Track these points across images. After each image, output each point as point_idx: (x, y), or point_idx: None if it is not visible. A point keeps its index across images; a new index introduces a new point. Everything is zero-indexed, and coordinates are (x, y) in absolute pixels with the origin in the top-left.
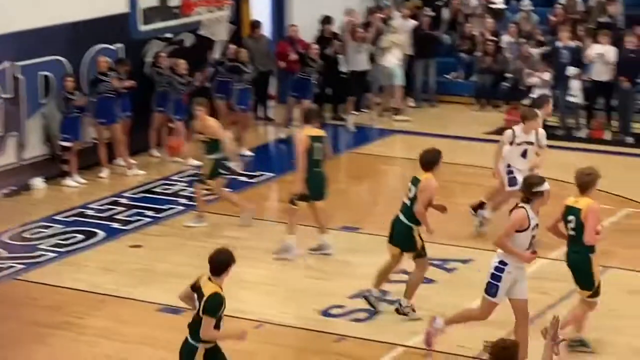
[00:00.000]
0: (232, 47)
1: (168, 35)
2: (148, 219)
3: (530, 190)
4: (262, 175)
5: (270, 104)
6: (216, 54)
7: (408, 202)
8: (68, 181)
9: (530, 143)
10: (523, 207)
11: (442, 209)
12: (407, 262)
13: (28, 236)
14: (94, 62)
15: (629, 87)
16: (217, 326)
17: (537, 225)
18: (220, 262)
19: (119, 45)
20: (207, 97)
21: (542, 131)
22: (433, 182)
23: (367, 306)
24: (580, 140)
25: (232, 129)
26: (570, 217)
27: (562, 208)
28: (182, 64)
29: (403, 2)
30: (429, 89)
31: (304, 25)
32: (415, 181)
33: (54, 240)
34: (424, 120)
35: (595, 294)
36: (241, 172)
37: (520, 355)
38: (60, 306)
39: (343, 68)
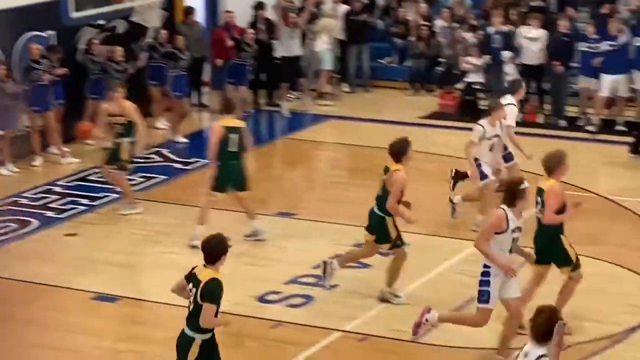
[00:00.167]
0: (164, 32)
1: (100, 22)
2: (83, 207)
3: (511, 191)
4: (197, 162)
5: (204, 90)
6: (149, 41)
7: (380, 193)
8: (1, 170)
9: (497, 136)
10: (502, 208)
11: (407, 204)
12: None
13: None
14: (26, 49)
15: (562, 71)
16: (217, 314)
17: (518, 228)
18: (214, 249)
19: (51, 32)
20: (142, 84)
21: (510, 109)
22: (401, 174)
23: (303, 292)
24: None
25: (167, 116)
26: (538, 199)
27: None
28: (118, 51)
29: None
30: (362, 74)
31: (237, 11)
32: (387, 171)
33: None
34: (359, 106)
35: (576, 267)
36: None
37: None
38: None
39: (277, 54)
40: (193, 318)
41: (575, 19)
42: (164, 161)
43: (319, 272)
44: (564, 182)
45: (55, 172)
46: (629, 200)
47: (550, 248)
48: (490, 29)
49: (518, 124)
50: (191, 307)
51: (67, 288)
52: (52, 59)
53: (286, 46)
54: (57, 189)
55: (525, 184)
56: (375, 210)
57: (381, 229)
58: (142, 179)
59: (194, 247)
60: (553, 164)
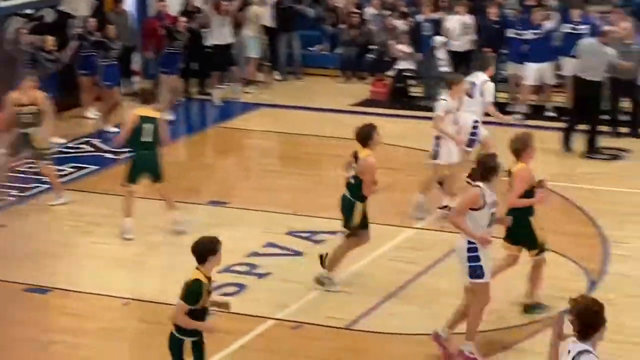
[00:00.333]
0: (93, 21)
1: (28, 11)
2: (12, 199)
3: (485, 167)
4: (129, 152)
5: (134, 79)
6: (78, 30)
7: (352, 181)
8: None
9: (457, 109)
10: (478, 185)
11: (374, 183)
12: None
13: None
14: None
15: (493, 57)
16: (201, 317)
17: (495, 202)
18: (201, 249)
19: None
20: (72, 73)
21: (489, 85)
22: (371, 160)
23: (236, 280)
24: None
25: (97, 105)
26: (509, 180)
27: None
28: (49, 40)
29: None
30: (293, 62)
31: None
32: (356, 157)
33: None
34: (290, 93)
35: (541, 250)
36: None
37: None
38: None
39: (207, 42)
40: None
41: (504, 6)
42: (95, 151)
43: (251, 260)
44: None
45: None
46: (559, 185)
47: (518, 230)
48: (420, 17)
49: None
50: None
51: None
52: None
53: (217, 34)
54: None
55: (499, 160)
56: (347, 195)
57: (349, 213)
58: (72, 169)
59: (126, 239)
60: (519, 147)
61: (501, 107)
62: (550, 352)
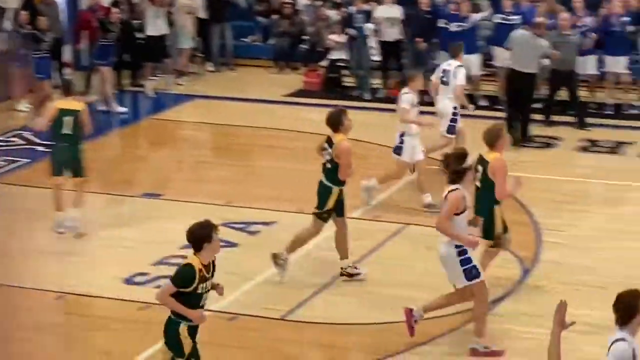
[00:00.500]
0: (24, 14)
1: None
2: None
3: (459, 170)
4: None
5: (66, 71)
6: (8, 22)
7: (328, 165)
8: None
9: (419, 104)
10: (458, 188)
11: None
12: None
13: None
14: None
15: (424, 48)
16: (194, 303)
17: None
18: (195, 237)
19: None
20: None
21: (461, 70)
22: (346, 144)
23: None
24: (379, 100)
25: (29, 98)
26: (479, 167)
27: (477, 157)
28: None
29: None
30: (226, 53)
31: None
32: (329, 142)
33: None
34: (223, 85)
35: (496, 245)
36: None
37: None
38: None
39: (140, 33)
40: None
41: None
42: (27, 144)
43: (186, 253)
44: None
45: None
46: None
47: (480, 216)
48: (352, 8)
49: (382, 100)
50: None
51: None
52: None
53: (152, 25)
54: None
55: (469, 159)
56: (324, 180)
57: (324, 197)
58: (3, 163)
59: (60, 233)
60: (493, 138)
61: None
62: (551, 340)
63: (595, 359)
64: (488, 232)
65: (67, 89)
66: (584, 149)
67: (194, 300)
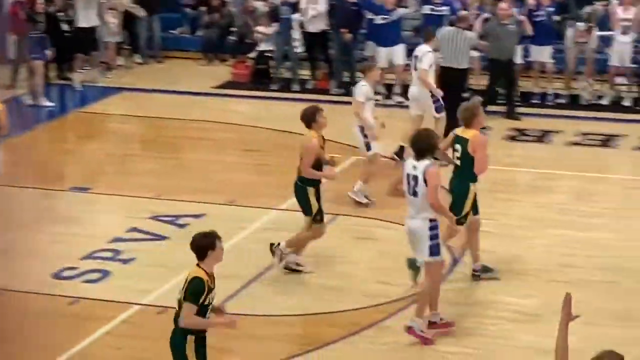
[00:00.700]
0: None
1: None
2: None
3: (430, 144)
4: None
5: None
6: None
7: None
8: None
9: (376, 94)
10: (430, 161)
11: (332, 163)
12: None
13: None
14: None
15: (350, 39)
16: (202, 314)
17: None
18: (199, 246)
19: None
20: None
21: (428, 55)
22: (314, 141)
23: (100, 266)
24: (308, 91)
25: None
26: (457, 146)
27: (452, 137)
28: None
29: None
30: (154, 45)
31: None
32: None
33: None
34: (151, 77)
35: (459, 222)
36: None
37: None
38: None
39: (67, 25)
40: (179, 318)
41: None
42: None
43: (114, 246)
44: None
45: None
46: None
47: (457, 194)
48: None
49: (309, 90)
50: (178, 306)
51: None
52: None
53: (83, 17)
54: None
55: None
56: (297, 181)
57: (304, 200)
58: None
59: None
60: (469, 116)
61: None
62: (559, 332)
63: (530, 346)
64: (459, 209)
65: None
66: (512, 138)
67: (201, 313)
